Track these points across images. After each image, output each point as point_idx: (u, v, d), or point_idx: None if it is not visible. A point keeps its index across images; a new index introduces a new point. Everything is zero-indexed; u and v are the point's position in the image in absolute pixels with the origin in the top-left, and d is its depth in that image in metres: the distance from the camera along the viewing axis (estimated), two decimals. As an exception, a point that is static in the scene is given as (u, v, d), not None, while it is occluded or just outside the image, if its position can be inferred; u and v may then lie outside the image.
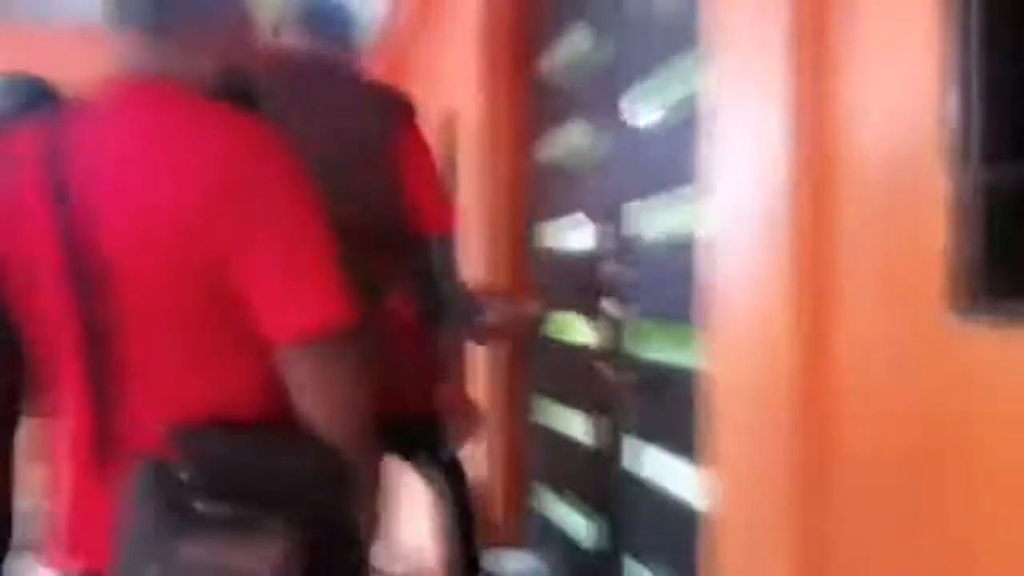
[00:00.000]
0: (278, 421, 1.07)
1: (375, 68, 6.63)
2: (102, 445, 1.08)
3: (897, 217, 1.24)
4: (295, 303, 1.05)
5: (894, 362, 1.24)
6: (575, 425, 2.86)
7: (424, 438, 2.84)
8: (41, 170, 1.07)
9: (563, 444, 2.99)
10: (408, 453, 2.92)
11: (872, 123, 1.29)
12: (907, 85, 1.21)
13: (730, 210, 1.63)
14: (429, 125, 4.90)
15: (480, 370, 3.47)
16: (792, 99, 1.39)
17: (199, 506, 0.97)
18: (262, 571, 0.95)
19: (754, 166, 1.52)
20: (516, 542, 3.39)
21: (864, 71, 1.31)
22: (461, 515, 2.95)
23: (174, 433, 1.01)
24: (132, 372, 1.07)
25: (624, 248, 2.45)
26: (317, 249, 1.08)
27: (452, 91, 4.18)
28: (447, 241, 1.83)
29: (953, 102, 1.11)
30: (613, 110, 2.51)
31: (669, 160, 2.09)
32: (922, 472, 1.19)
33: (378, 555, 4.75)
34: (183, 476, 0.98)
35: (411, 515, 4.02)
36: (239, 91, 1.19)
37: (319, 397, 1.07)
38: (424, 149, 1.90)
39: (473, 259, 3.50)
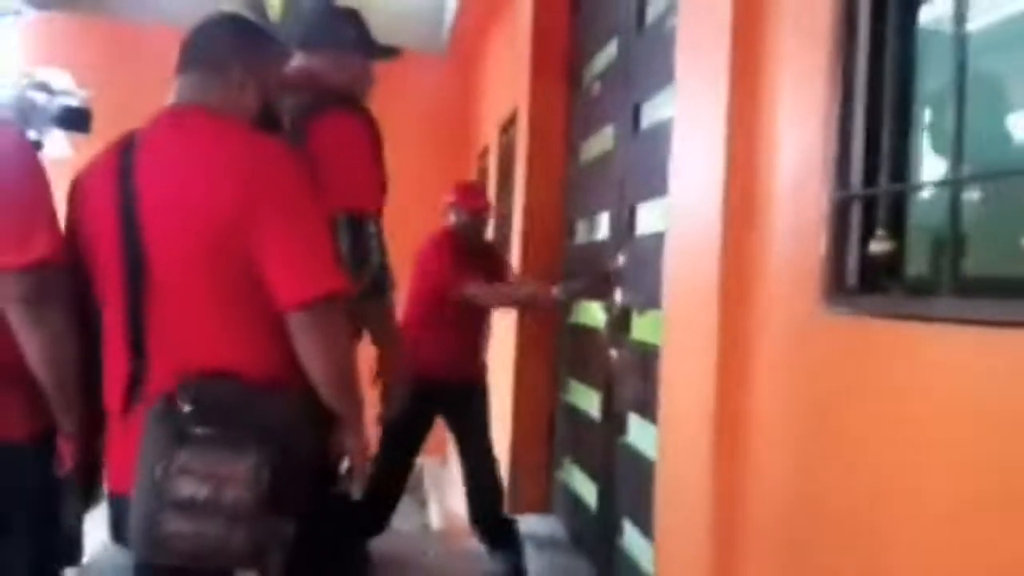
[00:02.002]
0: (268, 376, 1.42)
1: (447, 66, 7.08)
2: (132, 389, 1.45)
3: (796, 224, 1.51)
4: (301, 276, 1.42)
5: (786, 339, 1.52)
6: (591, 402, 3.17)
7: (450, 402, 3.20)
8: (114, 169, 1.48)
9: (581, 419, 3.30)
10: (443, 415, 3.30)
11: (783, 150, 1.57)
12: (806, 122, 1.48)
13: (680, 213, 1.93)
14: (497, 122, 5.28)
15: (517, 349, 3.82)
16: (726, 128, 1.68)
17: (195, 430, 1.34)
18: (235, 474, 1.31)
19: (697, 178, 1.81)
20: (543, 508, 3.72)
21: (779, 109, 1.58)
22: (486, 480, 3.29)
23: (182, 381, 1.38)
24: (160, 333, 1.44)
25: (631, 243, 2.74)
26: (318, 237, 1.46)
27: (511, 92, 4.52)
28: (356, 219, 1.80)
29: (833, 141, 1.38)
30: (632, 118, 2.80)
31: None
32: (809, 423, 1.46)
33: (429, 514, 5.15)
34: (185, 409, 1.36)
35: (455, 482, 4.41)
36: (267, 113, 1.57)
37: (317, 350, 1.43)
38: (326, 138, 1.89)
39: (521, 249, 3.86)
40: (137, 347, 1.45)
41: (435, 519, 4.97)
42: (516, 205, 4.05)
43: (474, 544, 3.35)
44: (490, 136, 5.82)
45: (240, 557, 1.33)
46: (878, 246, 1.27)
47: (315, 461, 1.45)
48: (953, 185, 1.11)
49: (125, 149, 1.49)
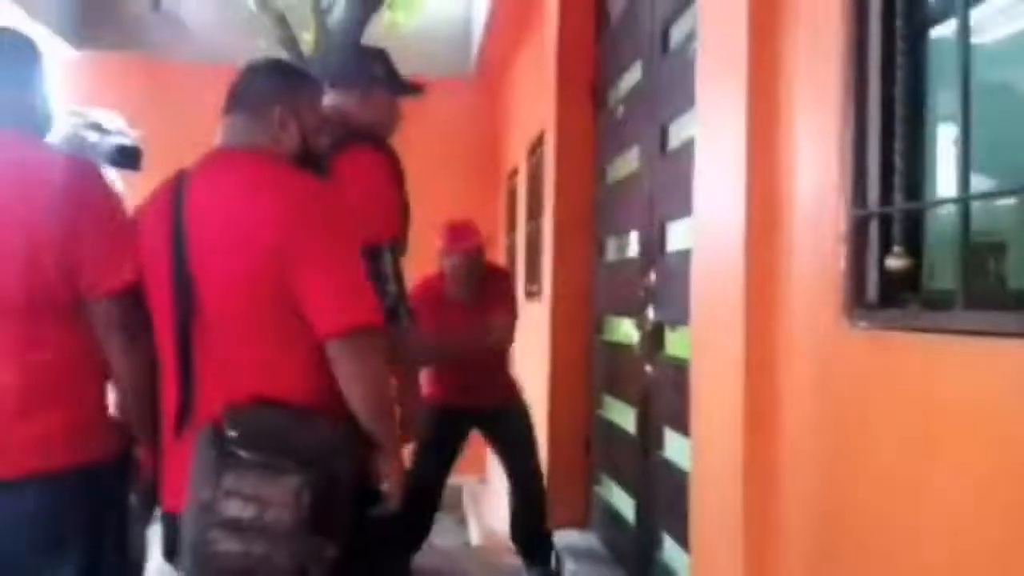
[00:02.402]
0: (309, 403, 1.52)
1: (475, 90, 7.22)
2: (183, 415, 1.56)
3: (817, 242, 1.56)
4: (339, 307, 1.51)
5: (810, 352, 1.57)
6: (627, 418, 3.22)
7: (482, 424, 3.28)
8: (166, 207, 1.59)
9: (618, 435, 3.35)
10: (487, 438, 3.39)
11: (802, 165, 1.63)
12: (822, 143, 1.54)
13: (704, 231, 1.99)
14: (525, 143, 5.37)
15: (551, 370, 3.89)
16: (746, 150, 1.74)
17: (241, 454, 1.43)
18: (278, 496, 1.40)
19: (720, 198, 1.88)
20: (582, 523, 3.77)
21: (796, 131, 1.64)
22: (529, 499, 3.38)
23: (228, 408, 1.48)
24: (207, 362, 1.55)
25: (662, 261, 2.81)
26: (356, 269, 1.56)
27: (539, 115, 4.61)
28: (371, 251, 1.85)
29: (849, 160, 1.44)
30: (659, 138, 2.87)
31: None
32: (834, 434, 1.51)
33: (468, 532, 5.24)
34: (231, 434, 1.45)
35: (496, 498, 4.46)
36: (307, 151, 1.68)
37: (355, 377, 1.52)
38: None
39: (552, 267, 3.94)
40: (186, 374, 1.55)
41: (475, 536, 5.03)
42: (546, 225, 4.13)
43: (513, 560, 3.42)
44: (519, 157, 5.92)
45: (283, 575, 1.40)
46: (895, 262, 1.32)
47: (354, 484, 1.53)
48: (963, 202, 1.17)
49: (176, 187, 1.61)
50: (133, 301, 1.58)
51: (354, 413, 1.54)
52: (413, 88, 2.33)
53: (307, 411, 1.51)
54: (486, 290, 3.35)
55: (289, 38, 5.18)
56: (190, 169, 1.65)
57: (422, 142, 7.47)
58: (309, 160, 1.69)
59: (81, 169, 1.64)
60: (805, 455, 1.59)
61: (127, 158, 2.64)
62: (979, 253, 1.24)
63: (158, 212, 1.61)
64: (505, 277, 3.68)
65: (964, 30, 1.19)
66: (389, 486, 1.60)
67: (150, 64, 6.49)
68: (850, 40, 1.44)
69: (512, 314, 3.35)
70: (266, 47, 5.36)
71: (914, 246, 1.36)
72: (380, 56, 2.33)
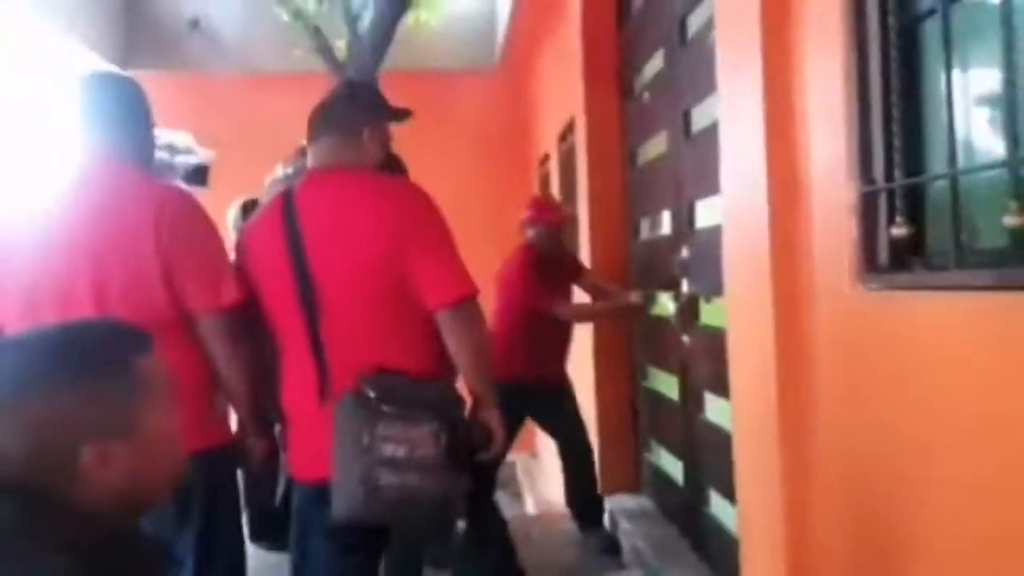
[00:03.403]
0: (416, 371, 1.81)
1: (502, 81, 7.41)
2: (323, 392, 1.83)
3: (832, 213, 1.75)
4: (444, 284, 1.82)
5: (830, 313, 1.77)
6: (670, 385, 3.43)
7: (541, 403, 3.52)
8: (279, 223, 1.85)
9: (663, 402, 3.57)
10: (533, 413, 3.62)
11: (815, 146, 1.82)
12: (831, 124, 1.73)
13: (733, 209, 2.19)
14: (555, 130, 5.56)
15: (594, 347, 4.10)
16: (765, 132, 1.93)
17: (384, 408, 1.72)
18: (421, 437, 1.70)
19: (744, 177, 2.07)
20: (633, 487, 3.99)
21: (808, 113, 1.83)
22: (582, 467, 3.61)
23: (362, 377, 1.76)
24: (335, 346, 1.82)
25: (692, 237, 3.00)
26: (454, 252, 1.87)
27: (567, 103, 4.80)
28: None
29: (855, 140, 1.63)
30: (683, 122, 3.06)
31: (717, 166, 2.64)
32: (854, 384, 1.71)
33: (524, 504, 5.50)
34: (371, 395, 1.73)
35: (548, 471, 4.69)
36: (388, 160, 1.94)
37: (464, 341, 1.83)
38: None
39: (590, 248, 4.14)
40: (320, 359, 1.83)
41: (531, 507, 5.29)
42: (581, 208, 4.33)
43: (569, 525, 3.66)
44: (549, 144, 6.11)
45: (433, 503, 1.71)
46: (898, 231, 1.51)
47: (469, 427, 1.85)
48: (952, 177, 1.36)
49: (284, 207, 1.87)
50: (238, 314, 1.84)
51: (463, 371, 1.86)
52: (401, 114, 2.22)
53: (421, 376, 1.82)
54: (567, 260, 3.72)
55: (324, 47, 5.41)
56: (294, 191, 1.91)
57: (453, 134, 7.75)
58: (390, 167, 1.95)
59: (179, 197, 1.89)
60: (831, 406, 1.79)
61: (199, 176, 2.90)
62: (969, 218, 1.42)
63: (270, 231, 1.87)
64: (574, 255, 4.04)
65: (946, 26, 1.38)
66: (493, 432, 1.89)
67: (192, 80, 6.79)
68: (851, 33, 1.63)
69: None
70: (302, 56, 5.62)
71: (917, 215, 1.55)
72: (368, 97, 2.18)
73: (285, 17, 5.59)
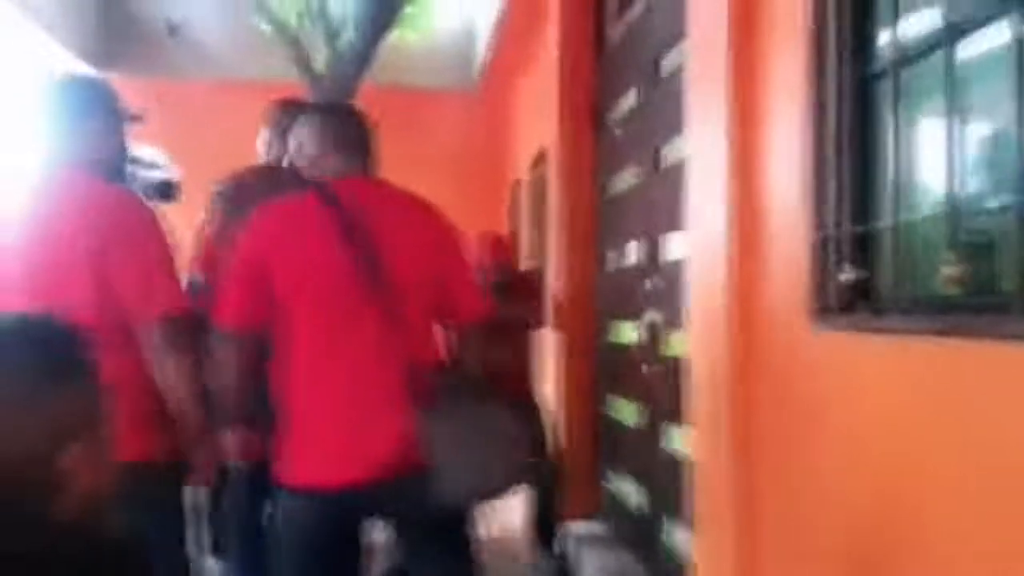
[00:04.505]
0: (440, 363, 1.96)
1: (479, 102, 7.52)
2: (392, 384, 1.82)
3: (787, 256, 1.85)
4: (475, 299, 2.01)
5: (784, 352, 1.86)
6: (631, 413, 3.51)
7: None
8: (328, 220, 1.85)
9: (622, 430, 3.64)
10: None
11: (774, 191, 1.91)
12: (788, 173, 1.82)
13: (696, 246, 2.28)
14: (528, 157, 5.64)
15: (554, 371, 4.17)
16: (728, 175, 2.03)
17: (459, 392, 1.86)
18: (488, 422, 1.87)
19: (708, 217, 2.16)
20: (591, 512, 4.04)
21: (769, 160, 1.93)
22: (547, 492, 3.66)
23: (417, 370, 1.83)
24: (405, 341, 1.84)
25: (657, 269, 3.09)
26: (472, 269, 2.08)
27: (541, 131, 4.90)
28: None
29: (811, 185, 1.72)
30: (652, 158, 3.16)
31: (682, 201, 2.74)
32: (804, 422, 1.79)
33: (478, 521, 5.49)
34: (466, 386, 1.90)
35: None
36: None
37: (486, 345, 2.00)
38: None
39: (555, 276, 4.22)
40: (391, 356, 1.84)
41: (486, 531, 5.31)
42: (550, 236, 4.41)
43: (523, 548, 3.70)
44: (521, 170, 6.21)
45: (504, 484, 1.90)
46: (847, 276, 1.61)
47: None
48: (895, 227, 1.45)
49: (327, 205, 1.87)
50: (181, 326, 1.81)
51: (475, 367, 2.00)
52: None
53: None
54: (519, 287, 3.85)
55: (303, 58, 5.45)
56: (333, 190, 1.90)
57: (427, 152, 7.81)
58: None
59: (126, 203, 1.86)
60: (780, 439, 1.87)
61: (164, 191, 2.90)
62: (914, 266, 1.51)
63: (319, 226, 1.85)
64: (530, 277, 4.24)
65: (896, 86, 1.48)
66: None
67: (168, 86, 6.79)
68: (811, 89, 1.72)
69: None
70: (280, 65, 5.66)
71: (868, 262, 1.64)
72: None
73: (265, 27, 5.63)
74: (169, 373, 1.80)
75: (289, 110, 2.61)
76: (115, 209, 1.82)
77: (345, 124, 2.03)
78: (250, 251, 1.90)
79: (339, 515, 1.86)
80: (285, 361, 1.88)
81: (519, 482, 2.04)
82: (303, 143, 2.00)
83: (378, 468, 1.79)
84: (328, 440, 1.84)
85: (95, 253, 1.75)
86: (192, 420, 1.86)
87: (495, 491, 1.93)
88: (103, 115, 1.94)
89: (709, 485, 2.22)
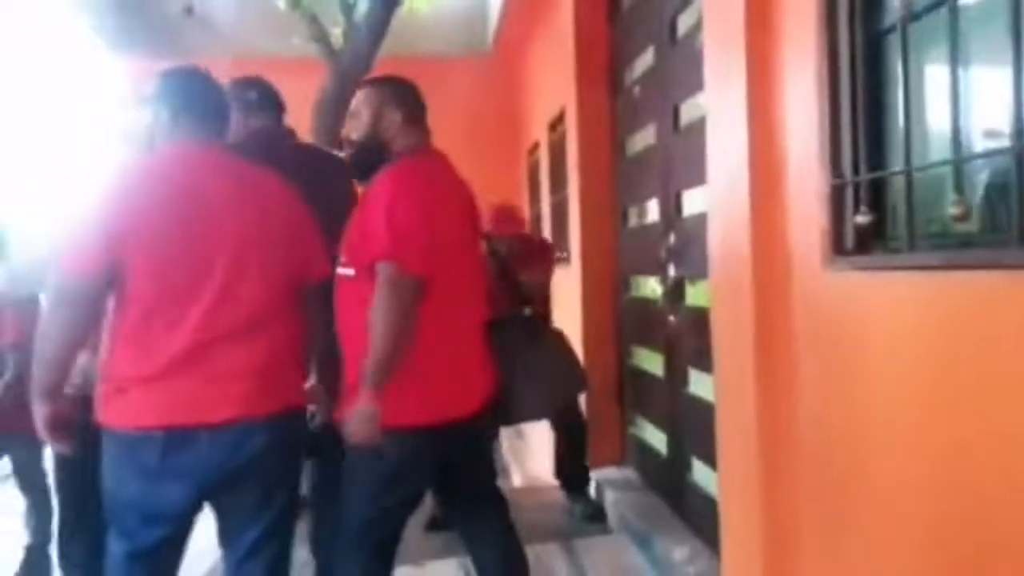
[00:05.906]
0: None
1: (494, 68, 7.57)
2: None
3: (805, 201, 1.96)
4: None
5: (802, 293, 1.98)
6: (655, 363, 3.65)
7: None
8: (456, 186, 2.34)
9: (648, 379, 3.79)
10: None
11: (792, 143, 2.02)
12: (806, 122, 1.93)
13: (718, 197, 2.40)
14: (546, 120, 5.72)
15: (579, 326, 4.32)
16: (747, 127, 2.14)
17: None
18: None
19: (728, 169, 2.28)
20: (619, 460, 4.22)
21: (786, 111, 2.04)
22: (572, 438, 3.83)
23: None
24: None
25: (679, 224, 3.21)
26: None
27: (558, 93, 4.98)
28: None
29: (827, 135, 1.84)
30: (672, 116, 3.26)
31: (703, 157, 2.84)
32: (823, 360, 1.93)
33: (511, 479, 5.70)
34: None
35: (535, 447, 4.89)
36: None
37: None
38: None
39: (579, 234, 4.34)
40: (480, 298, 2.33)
41: (517, 481, 5.51)
42: (571, 196, 4.52)
43: (556, 495, 3.89)
44: (539, 133, 6.29)
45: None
46: (862, 219, 1.73)
47: None
48: (907, 173, 1.57)
49: (449, 171, 2.33)
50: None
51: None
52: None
53: None
54: (521, 249, 3.87)
55: (320, 34, 5.54)
56: (440, 157, 2.34)
57: (444, 119, 7.86)
58: None
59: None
60: (804, 379, 2.01)
61: None
62: (923, 208, 1.63)
63: (456, 192, 2.30)
64: (533, 238, 4.34)
65: (904, 41, 1.59)
66: None
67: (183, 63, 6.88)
68: (823, 44, 1.83)
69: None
70: (299, 44, 5.75)
71: (880, 205, 1.76)
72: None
73: (281, 5, 5.70)
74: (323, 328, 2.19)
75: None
76: (285, 184, 2.14)
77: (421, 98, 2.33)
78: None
79: (449, 446, 2.16)
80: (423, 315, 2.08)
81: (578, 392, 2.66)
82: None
83: (483, 401, 2.23)
84: (455, 379, 2.17)
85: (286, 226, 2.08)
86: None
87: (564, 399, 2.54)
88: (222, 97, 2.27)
89: (734, 428, 2.36)
